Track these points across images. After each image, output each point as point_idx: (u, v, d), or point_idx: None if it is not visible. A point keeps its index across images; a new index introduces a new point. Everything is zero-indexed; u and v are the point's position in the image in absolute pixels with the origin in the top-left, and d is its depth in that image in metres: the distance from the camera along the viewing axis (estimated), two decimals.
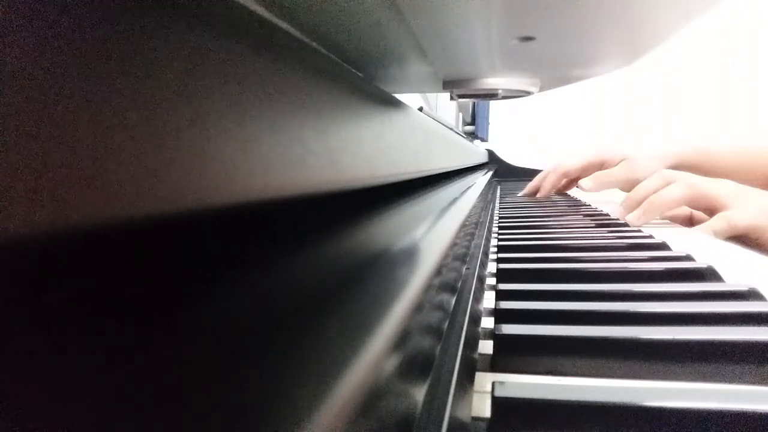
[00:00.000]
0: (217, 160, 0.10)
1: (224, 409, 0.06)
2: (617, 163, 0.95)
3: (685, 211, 0.78)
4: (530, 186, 1.15)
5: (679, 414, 0.19)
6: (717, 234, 0.63)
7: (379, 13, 0.23)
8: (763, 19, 2.13)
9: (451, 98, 0.46)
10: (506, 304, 0.31)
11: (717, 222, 0.63)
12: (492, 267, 0.42)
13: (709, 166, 0.89)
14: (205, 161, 0.10)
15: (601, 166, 1.01)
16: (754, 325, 0.27)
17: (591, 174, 0.99)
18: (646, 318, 0.29)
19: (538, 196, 1.10)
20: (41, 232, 0.07)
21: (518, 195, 1.15)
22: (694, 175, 0.74)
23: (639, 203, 0.72)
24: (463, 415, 0.18)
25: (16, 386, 0.07)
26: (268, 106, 0.12)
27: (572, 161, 1.06)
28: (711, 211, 0.68)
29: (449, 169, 0.57)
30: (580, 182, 0.98)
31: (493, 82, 0.41)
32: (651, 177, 0.75)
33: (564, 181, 1.09)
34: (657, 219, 0.73)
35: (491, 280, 0.38)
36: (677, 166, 0.89)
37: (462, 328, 0.21)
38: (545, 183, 1.09)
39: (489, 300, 0.33)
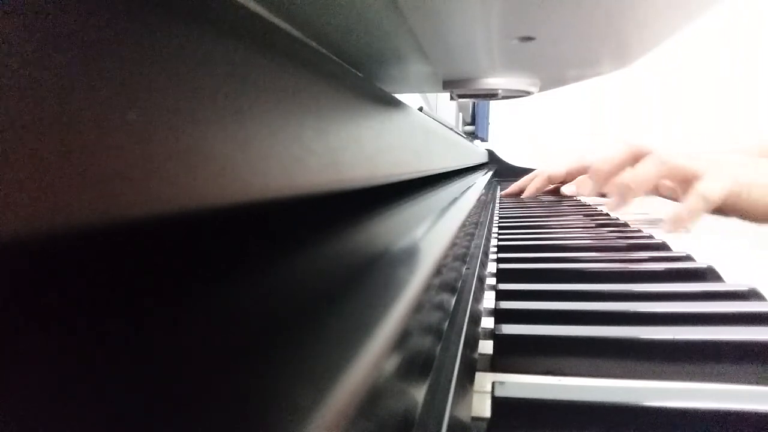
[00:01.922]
0: (217, 160, 0.10)
1: (225, 409, 0.06)
2: None
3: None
4: (515, 186, 1.15)
5: (679, 414, 0.19)
6: (695, 213, 0.60)
7: (379, 13, 0.23)
8: (764, 19, 2.13)
9: (451, 98, 0.46)
10: (506, 304, 0.31)
11: (693, 201, 0.61)
12: (492, 267, 0.42)
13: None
14: (205, 161, 0.10)
15: (585, 172, 1.02)
16: (754, 325, 0.27)
17: (575, 179, 1.00)
18: (646, 318, 0.29)
19: (523, 197, 1.10)
20: (41, 232, 0.07)
21: (501, 194, 1.16)
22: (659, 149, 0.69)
23: (606, 178, 0.68)
24: (463, 415, 0.18)
25: (16, 386, 0.07)
26: (268, 106, 0.12)
27: (557, 166, 1.07)
28: (686, 184, 0.64)
29: (449, 169, 0.57)
30: (562, 188, 0.99)
31: (493, 82, 0.41)
32: (616, 148, 0.69)
33: (550, 186, 1.10)
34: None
35: (491, 280, 0.38)
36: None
37: (462, 328, 0.21)
38: (530, 186, 1.10)
39: (489, 300, 0.33)
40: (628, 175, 0.65)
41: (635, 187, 0.64)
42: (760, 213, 0.62)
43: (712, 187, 0.60)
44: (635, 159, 0.66)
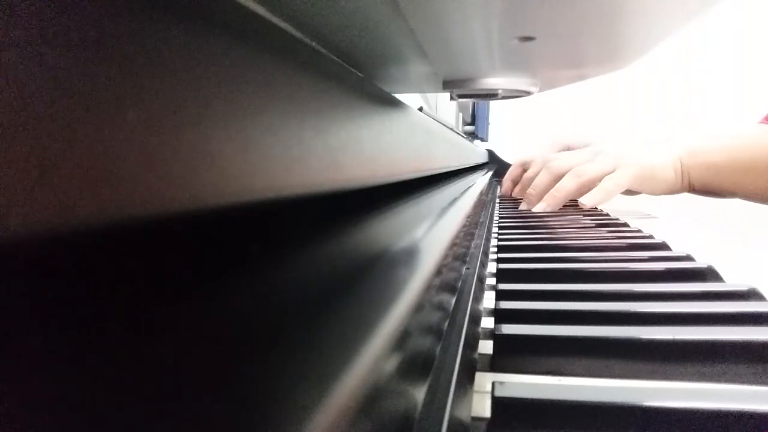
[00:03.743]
0: (216, 160, 0.10)
1: (225, 409, 0.06)
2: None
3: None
4: (506, 184, 1.12)
5: (679, 414, 0.19)
6: (610, 196, 0.81)
7: (379, 13, 0.23)
8: (765, 18, 2.13)
9: (451, 98, 0.46)
10: (506, 304, 0.31)
11: (606, 188, 0.81)
12: (492, 267, 0.42)
13: None
14: (203, 161, 0.10)
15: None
16: (754, 325, 0.27)
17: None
18: (646, 318, 0.29)
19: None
20: (41, 232, 0.07)
21: (498, 195, 1.14)
22: (575, 158, 0.87)
23: (539, 197, 0.86)
24: (463, 415, 0.18)
25: (16, 386, 0.07)
26: (268, 106, 0.12)
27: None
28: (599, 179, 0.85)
29: (449, 169, 0.57)
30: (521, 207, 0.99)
31: (493, 82, 0.41)
32: (541, 173, 0.88)
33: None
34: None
35: (491, 280, 0.38)
36: None
37: (462, 328, 0.21)
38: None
39: (489, 300, 0.33)
40: (554, 190, 0.84)
41: (559, 199, 0.84)
42: (659, 189, 0.83)
43: (621, 178, 0.81)
44: (555, 177, 0.86)
